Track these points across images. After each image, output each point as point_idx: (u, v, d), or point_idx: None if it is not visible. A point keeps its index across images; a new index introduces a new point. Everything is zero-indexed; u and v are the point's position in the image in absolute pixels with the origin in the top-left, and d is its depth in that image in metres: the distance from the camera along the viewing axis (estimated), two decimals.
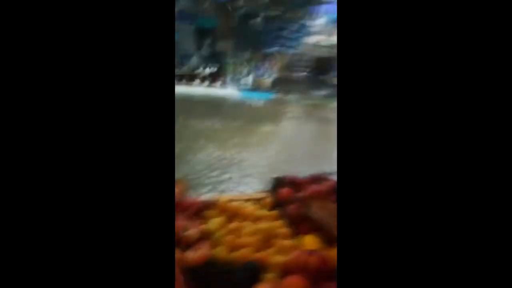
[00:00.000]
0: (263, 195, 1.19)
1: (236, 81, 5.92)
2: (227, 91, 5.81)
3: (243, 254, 0.82)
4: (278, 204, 1.09)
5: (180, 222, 0.87)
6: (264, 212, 1.07)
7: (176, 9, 5.15)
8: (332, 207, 0.93)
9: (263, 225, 0.93)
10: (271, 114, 5.11)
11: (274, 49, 5.88)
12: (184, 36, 5.41)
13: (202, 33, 5.45)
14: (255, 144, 3.66)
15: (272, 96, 5.99)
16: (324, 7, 6.03)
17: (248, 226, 0.97)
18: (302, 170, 1.31)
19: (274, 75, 6.06)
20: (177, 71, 5.57)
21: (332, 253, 0.79)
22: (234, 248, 0.86)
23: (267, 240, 0.90)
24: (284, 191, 1.09)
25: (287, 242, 0.89)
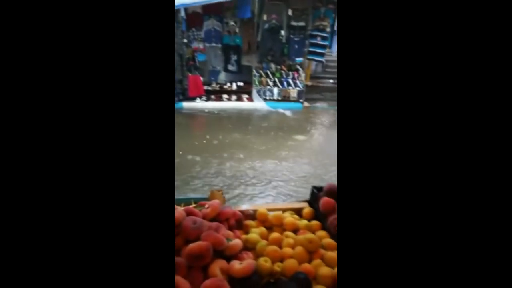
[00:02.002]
0: (301, 205, 1.16)
1: (263, 93, 6.01)
2: (255, 104, 5.91)
3: (289, 265, 0.80)
4: (319, 214, 1.06)
5: (223, 232, 0.87)
6: (305, 222, 1.04)
7: (204, 30, 5.46)
8: None
9: (306, 236, 0.90)
10: (300, 124, 5.07)
11: (300, 59, 5.90)
12: (211, 54, 5.68)
13: (228, 50, 5.67)
14: (286, 154, 3.64)
15: (300, 106, 5.96)
16: None
17: (290, 237, 0.94)
18: (334, 179, 1.26)
19: (301, 85, 6.04)
20: (207, 88, 5.82)
21: None
22: (277, 259, 0.84)
23: (311, 252, 0.87)
24: (325, 200, 1.05)
25: (333, 254, 0.85)
